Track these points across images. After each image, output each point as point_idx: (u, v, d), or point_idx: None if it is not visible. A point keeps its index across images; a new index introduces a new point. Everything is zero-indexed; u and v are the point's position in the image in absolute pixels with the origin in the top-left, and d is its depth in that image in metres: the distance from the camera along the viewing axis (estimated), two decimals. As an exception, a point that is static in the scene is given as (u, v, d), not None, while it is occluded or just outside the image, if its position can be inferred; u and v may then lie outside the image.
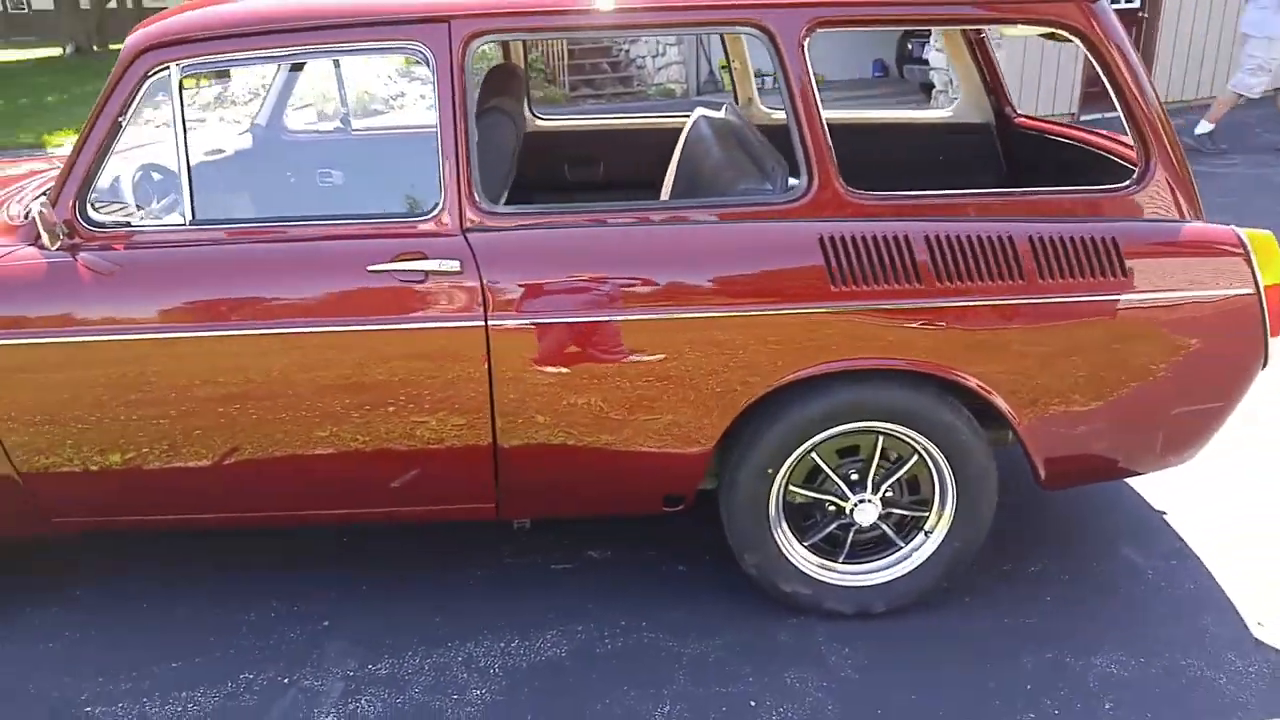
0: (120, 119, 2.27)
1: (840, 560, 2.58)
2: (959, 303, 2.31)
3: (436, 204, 2.29)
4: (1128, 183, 2.39)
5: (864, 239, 2.29)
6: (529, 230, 2.33)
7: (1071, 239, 2.32)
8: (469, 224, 2.30)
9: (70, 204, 2.29)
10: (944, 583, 2.59)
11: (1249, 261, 2.36)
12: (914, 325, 2.32)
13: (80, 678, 2.45)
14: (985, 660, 2.45)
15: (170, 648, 2.55)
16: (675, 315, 2.30)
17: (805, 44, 2.29)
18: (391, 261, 2.28)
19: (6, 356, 2.30)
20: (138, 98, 2.28)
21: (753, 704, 2.33)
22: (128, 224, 2.35)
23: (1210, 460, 2.73)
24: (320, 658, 2.51)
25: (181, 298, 2.30)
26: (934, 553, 2.55)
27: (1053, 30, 2.41)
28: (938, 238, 2.30)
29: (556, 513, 2.70)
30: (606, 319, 2.30)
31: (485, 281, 2.28)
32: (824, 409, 2.40)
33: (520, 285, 2.29)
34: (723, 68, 14.07)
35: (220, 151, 3.24)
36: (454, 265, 2.27)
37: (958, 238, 2.30)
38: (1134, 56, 2.39)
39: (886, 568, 2.58)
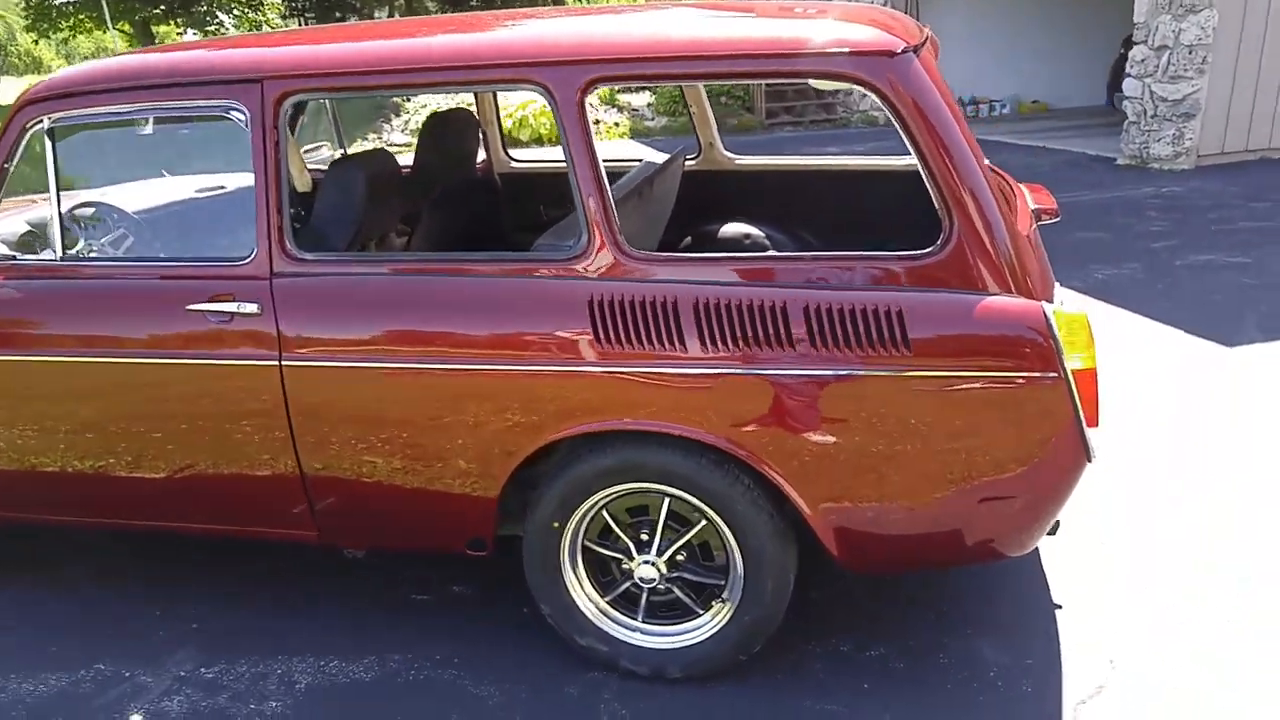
0: (6, 165, 2.65)
1: (640, 620, 2.53)
2: (723, 370, 2.22)
3: (253, 251, 2.50)
4: (927, 250, 2.19)
5: (632, 301, 2.26)
6: (325, 278, 2.48)
7: (850, 308, 2.16)
8: (278, 270, 2.48)
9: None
10: (739, 655, 2.47)
11: (1053, 343, 2.09)
12: (680, 390, 2.25)
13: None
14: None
15: (53, 637, 2.90)
16: (448, 366, 2.37)
17: (584, 101, 2.29)
18: (206, 302, 2.51)
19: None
20: (19, 147, 2.65)
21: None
22: (12, 257, 2.73)
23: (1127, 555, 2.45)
24: (169, 657, 2.79)
25: (45, 325, 2.66)
26: (727, 623, 2.45)
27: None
28: (707, 303, 2.22)
29: (375, 545, 2.82)
30: (384, 365, 2.40)
31: (280, 324, 2.46)
32: (603, 467, 2.38)
33: (310, 329, 2.45)
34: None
35: (97, 199, 3.58)
36: (253, 308, 2.47)
37: (728, 304, 2.21)
38: (943, 115, 2.18)
39: (682, 633, 2.51)
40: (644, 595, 2.50)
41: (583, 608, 2.53)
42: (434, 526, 2.59)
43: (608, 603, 2.54)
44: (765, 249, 3.42)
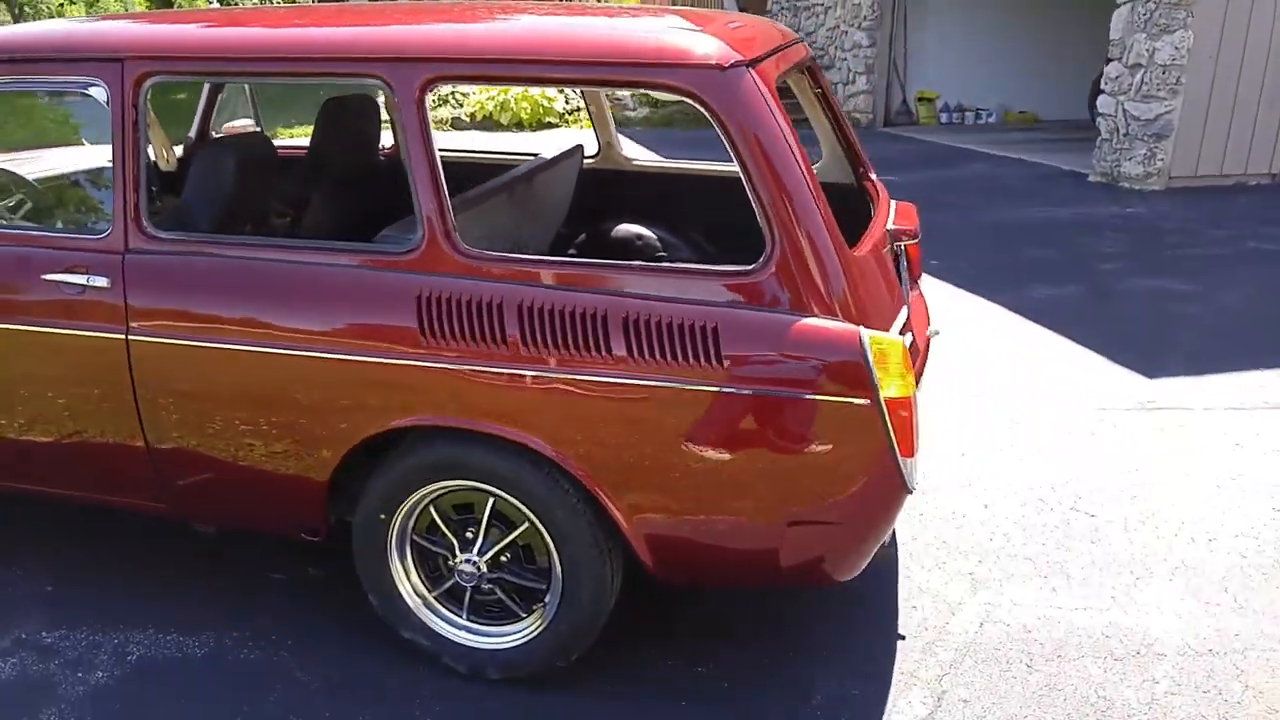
0: None
1: (465, 617, 2.55)
2: (542, 373, 2.22)
3: (109, 226, 2.51)
4: (749, 267, 2.19)
5: (458, 299, 2.26)
6: (176, 256, 2.49)
7: (665, 320, 2.16)
8: (132, 246, 2.49)
9: None
10: (557, 661, 2.48)
11: (867, 369, 2.10)
12: (499, 390, 2.25)
13: None
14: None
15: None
16: (279, 351, 2.38)
17: (423, 99, 2.29)
18: (61, 272, 2.52)
19: None
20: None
21: (304, 736, 2.38)
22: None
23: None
24: (16, 619, 2.81)
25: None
26: (544, 629, 2.46)
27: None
28: (529, 306, 2.23)
29: (220, 522, 2.83)
30: (221, 345, 2.41)
31: (128, 299, 2.47)
32: (427, 463, 2.39)
33: (157, 305, 2.46)
34: (920, 100, 13.50)
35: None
36: (104, 282, 2.48)
37: (549, 308, 2.22)
38: (771, 133, 2.16)
39: (503, 635, 2.52)
40: (467, 592, 2.52)
41: (408, 600, 2.55)
42: (269, 508, 2.61)
43: (434, 598, 2.56)
44: (656, 250, 3.43)
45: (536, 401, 2.24)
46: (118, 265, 2.49)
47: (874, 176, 3.16)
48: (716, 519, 2.27)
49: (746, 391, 2.14)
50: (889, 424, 2.11)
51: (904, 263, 2.84)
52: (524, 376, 2.23)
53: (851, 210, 2.84)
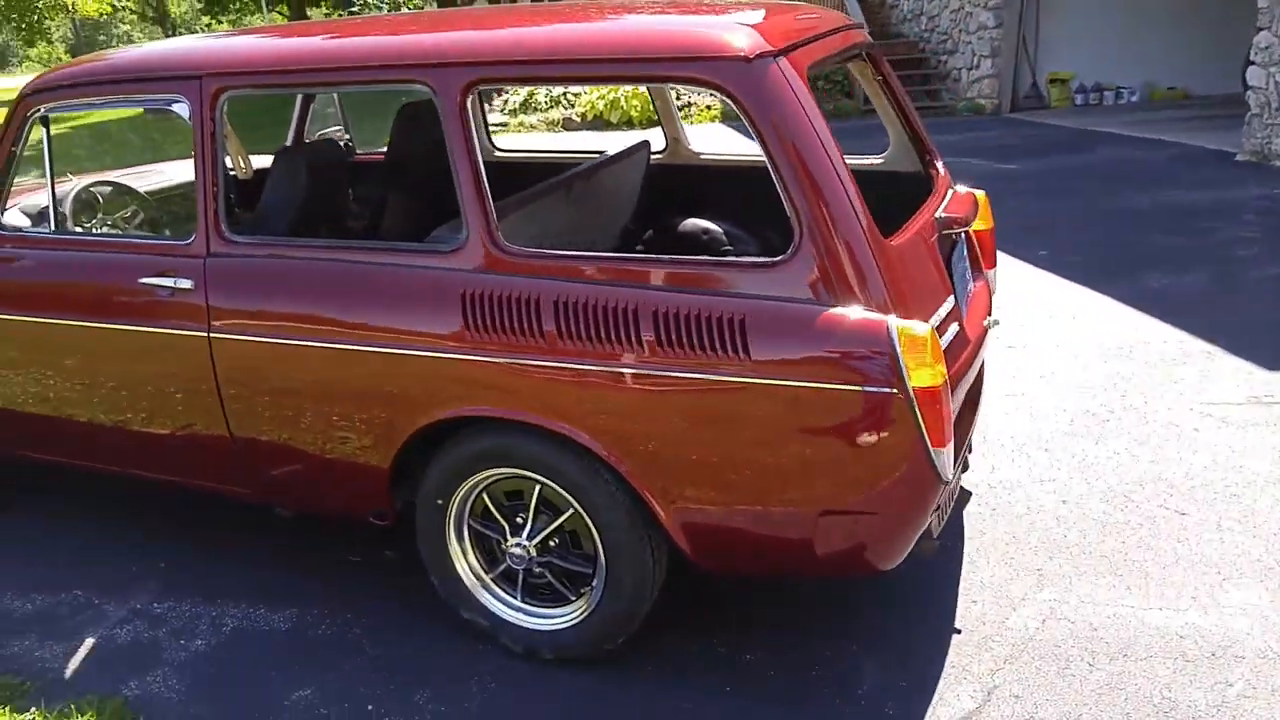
0: (14, 148, 2.98)
1: (519, 599, 2.65)
2: (579, 365, 2.30)
3: (195, 232, 2.74)
4: (777, 259, 2.20)
5: (500, 295, 2.36)
6: (252, 260, 2.69)
7: (694, 313, 2.20)
8: (214, 250, 2.71)
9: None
10: (604, 645, 2.56)
11: (895, 359, 2.08)
12: (540, 383, 2.34)
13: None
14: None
15: (48, 565, 3.28)
16: (341, 346, 2.53)
17: (466, 102, 2.40)
18: (154, 276, 2.76)
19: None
20: (23, 134, 2.97)
21: (369, 708, 2.53)
22: (19, 229, 3.06)
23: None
24: (133, 591, 3.09)
25: (34, 289, 3.00)
26: (591, 613, 2.54)
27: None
28: (565, 301, 2.31)
29: (297, 507, 3.03)
30: (291, 342, 2.59)
31: (210, 300, 2.69)
32: (476, 451, 2.51)
33: (235, 306, 2.67)
34: (1052, 82, 12.92)
35: (114, 178, 3.91)
36: (188, 284, 2.71)
37: (583, 303, 2.29)
38: (799, 124, 2.17)
39: (554, 617, 2.62)
40: (520, 575, 2.63)
41: (466, 581, 2.67)
42: (340, 493, 2.78)
43: (491, 579, 2.68)
44: (722, 244, 3.45)
45: (573, 393, 2.32)
46: (200, 269, 2.70)
47: (940, 164, 3.10)
48: (750, 509, 2.29)
49: (774, 382, 2.16)
50: (919, 414, 2.09)
51: (962, 250, 2.79)
52: (560, 369, 2.32)
53: (911, 199, 2.80)
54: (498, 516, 2.60)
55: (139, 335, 2.82)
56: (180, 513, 3.55)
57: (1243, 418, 3.80)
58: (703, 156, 3.68)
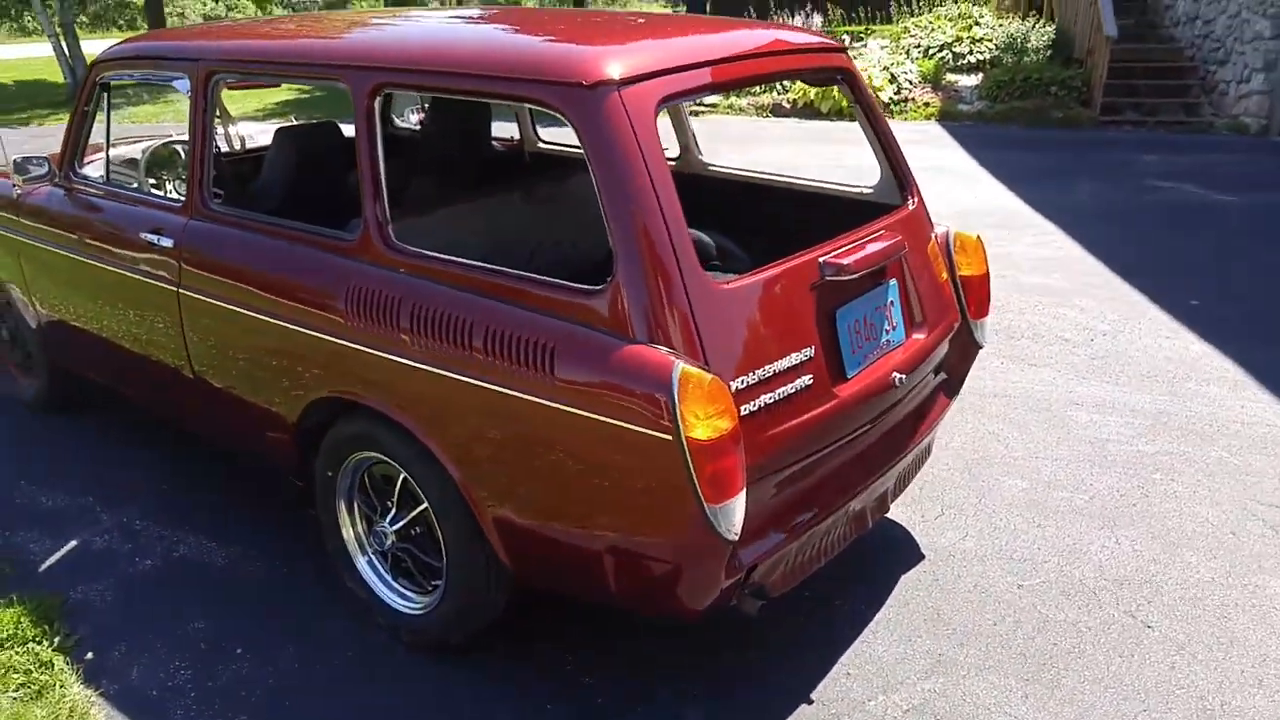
0: (86, 108, 3.45)
1: (391, 577, 2.78)
2: (423, 366, 2.37)
3: (186, 197, 3.06)
4: (594, 287, 2.16)
5: (375, 290, 2.47)
6: (217, 228, 2.96)
7: (514, 330, 2.22)
8: (196, 214, 3.02)
9: (64, 163, 3.55)
10: (450, 637, 2.64)
11: (671, 404, 1.99)
12: (393, 377, 2.45)
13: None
14: None
15: (88, 466, 3.78)
16: (261, 316, 2.76)
17: (374, 104, 2.51)
18: (149, 232, 3.11)
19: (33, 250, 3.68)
20: (94, 95, 3.43)
21: (238, 650, 2.76)
22: (86, 177, 3.53)
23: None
24: (127, 508, 3.49)
25: (79, 229, 3.46)
26: (439, 604, 2.62)
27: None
28: (419, 302, 2.38)
29: (234, 448, 3.33)
30: (227, 305, 2.86)
31: (183, 258, 2.99)
32: (351, 433, 2.66)
33: (196, 268, 2.96)
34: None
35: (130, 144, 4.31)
36: (169, 243, 3.03)
37: (433, 306, 2.36)
38: (628, 156, 2.10)
39: (414, 602, 2.72)
40: (387, 556, 2.75)
41: (351, 553, 2.83)
42: (260, 448, 3.04)
43: (373, 554, 2.82)
44: (710, 258, 3.36)
45: (418, 391, 2.41)
46: (181, 230, 3.02)
47: (914, 200, 2.86)
48: (554, 528, 2.32)
49: (572, 410, 2.14)
50: (690, 464, 2.00)
51: (887, 296, 2.59)
52: (412, 367, 2.40)
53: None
54: (371, 496, 2.73)
55: (133, 281, 3.19)
56: (216, 456, 3.95)
57: None
58: (711, 168, 3.59)
